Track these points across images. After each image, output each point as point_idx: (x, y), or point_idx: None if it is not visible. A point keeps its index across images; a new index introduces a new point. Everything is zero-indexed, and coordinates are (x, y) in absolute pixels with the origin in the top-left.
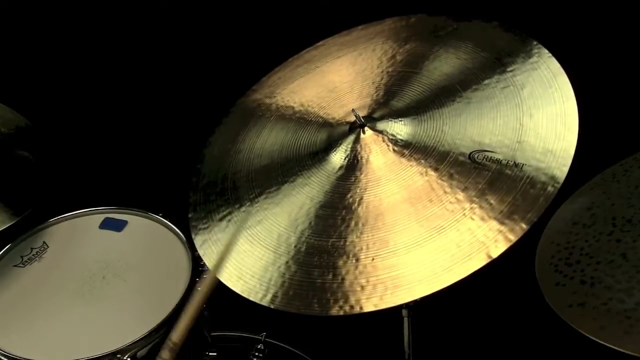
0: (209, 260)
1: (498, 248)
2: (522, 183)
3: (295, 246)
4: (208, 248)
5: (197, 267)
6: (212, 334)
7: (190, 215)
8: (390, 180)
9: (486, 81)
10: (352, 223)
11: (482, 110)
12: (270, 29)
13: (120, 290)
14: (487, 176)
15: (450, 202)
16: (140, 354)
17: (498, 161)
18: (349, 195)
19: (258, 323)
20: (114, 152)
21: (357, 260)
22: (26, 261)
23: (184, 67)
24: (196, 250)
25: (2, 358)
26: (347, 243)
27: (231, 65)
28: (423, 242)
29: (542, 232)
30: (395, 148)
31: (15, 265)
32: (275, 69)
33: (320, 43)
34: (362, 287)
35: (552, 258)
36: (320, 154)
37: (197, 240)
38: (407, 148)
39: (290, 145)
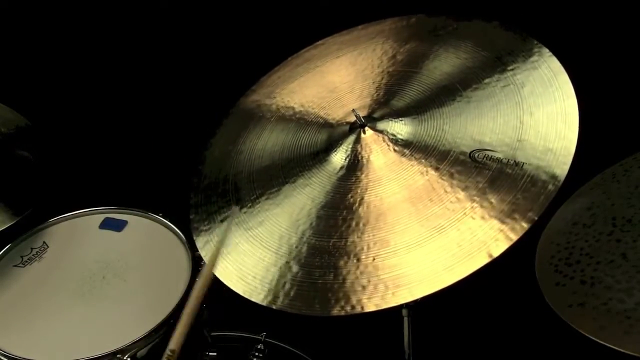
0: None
1: (499, 247)
2: (523, 182)
3: (296, 247)
4: (210, 250)
5: (197, 267)
6: (212, 334)
7: (191, 217)
8: (391, 180)
9: (486, 80)
10: (353, 223)
11: (482, 109)
12: (270, 29)
13: (120, 290)
14: (488, 175)
15: (451, 202)
16: (140, 354)
17: (498, 160)
18: (349, 196)
19: (258, 323)
20: (114, 152)
21: (358, 260)
22: (26, 261)
23: (184, 67)
24: (196, 250)
25: (2, 358)
26: (348, 243)
27: (231, 65)
28: (424, 241)
29: (542, 232)
30: (396, 148)
31: (15, 265)
32: (275, 68)
33: (320, 42)
34: (364, 287)
35: (552, 258)
36: (320, 154)
37: (199, 242)
38: (407, 147)
39: (290, 145)
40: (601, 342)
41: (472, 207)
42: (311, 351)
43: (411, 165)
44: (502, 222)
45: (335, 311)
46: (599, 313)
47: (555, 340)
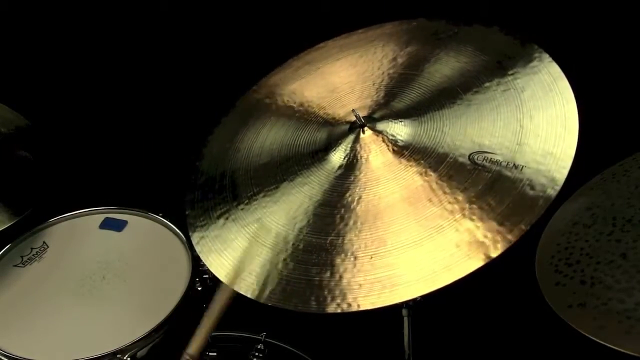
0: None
1: (497, 249)
2: (522, 185)
3: (293, 244)
4: (205, 245)
5: (197, 267)
6: (212, 334)
7: (187, 213)
8: (389, 180)
9: (487, 84)
10: (351, 221)
11: (482, 112)
12: (271, 30)
13: (120, 290)
14: (487, 177)
15: (450, 203)
16: (140, 354)
17: (498, 162)
18: (347, 194)
19: (258, 323)
20: (114, 152)
21: (355, 258)
22: (26, 261)
23: (184, 67)
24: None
25: (2, 358)
26: (346, 241)
27: (231, 65)
28: (422, 241)
29: (542, 232)
30: (395, 148)
31: (15, 265)
32: (276, 69)
33: (321, 45)
34: (360, 285)
35: (552, 258)
36: (319, 153)
37: (194, 238)
38: (406, 149)
39: (289, 144)
40: (601, 342)
41: (470, 209)
42: (311, 351)
43: (410, 166)
44: (501, 224)
45: (331, 309)
46: (599, 313)
47: (555, 340)
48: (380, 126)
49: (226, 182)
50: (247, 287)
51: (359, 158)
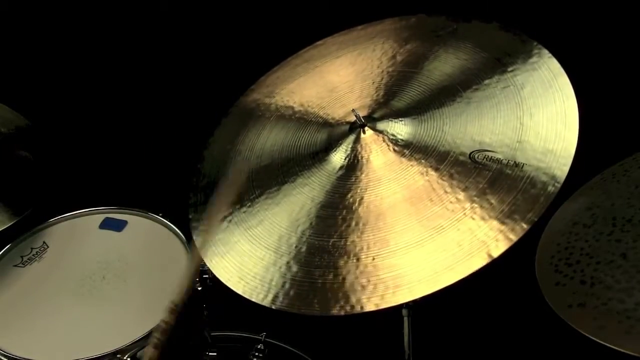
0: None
1: (499, 248)
2: (523, 183)
3: (296, 246)
4: (209, 249)
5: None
6: (212, 334)
7: (190, 216)
8: (391, 180)
9: (486, 81)
10: (353, 223)
11: (482, 110)
12: (269, 29)
13: (120, 290)
14: (488, 176)
15: (451, 202)
16: (140, 354)
17: (498, 161)
18: (349, 195)
19: (258, 323)
20: (114, 152)
21: (358, 260)
22: (26, 261)
23: (184, 67)
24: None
25: (2, 358)
26: (348, 243)
27: (231, 65)
28: (424, 241)
29: (542, 232)
30: (396, 148)
31: (15, 265)
32: (274, 68)
33: (320, 42)
34: (363, 287)
35: (552, 258)
36: (320, 154)
37: (198, 241)
38: (407, 148)
39: (290, 145)
40: (601, 342)
41: (472, 208)
42: (311, 351)
43: (411, 165)
44: (502, 222)
45: (335, 311)
46: (599, 313)
47: (555, 340)
48: (381, 126)
49: None
50: (252, 292)
51: (359, 158)
